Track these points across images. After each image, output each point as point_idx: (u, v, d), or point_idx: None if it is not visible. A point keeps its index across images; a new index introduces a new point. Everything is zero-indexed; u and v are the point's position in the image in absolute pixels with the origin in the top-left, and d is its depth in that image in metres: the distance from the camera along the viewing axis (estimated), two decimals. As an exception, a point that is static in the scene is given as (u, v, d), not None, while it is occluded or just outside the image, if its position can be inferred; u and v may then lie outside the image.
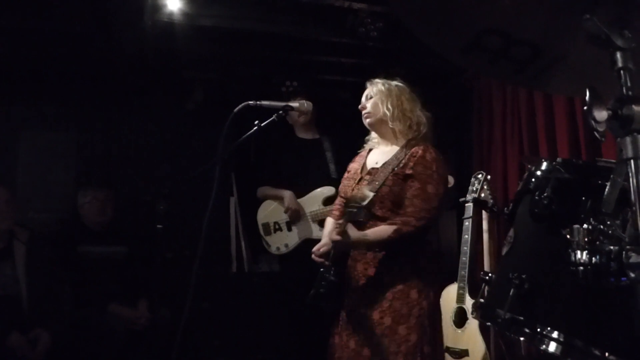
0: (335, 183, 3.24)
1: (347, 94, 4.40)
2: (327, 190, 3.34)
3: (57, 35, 3.56)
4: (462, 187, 3.30)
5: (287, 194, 3.34)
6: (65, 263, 3.31)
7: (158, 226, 3.08)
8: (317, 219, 3.32)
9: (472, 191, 3.12)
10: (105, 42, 3.56)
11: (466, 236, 3.04)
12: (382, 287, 2.29)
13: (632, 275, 0.82)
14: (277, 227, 3.42)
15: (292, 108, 2.48)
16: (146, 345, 3.32)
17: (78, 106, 4.32)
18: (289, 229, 3.39)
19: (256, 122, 2.40)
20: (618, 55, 0.88)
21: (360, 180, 2.45)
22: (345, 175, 2.63)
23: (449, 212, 3.96)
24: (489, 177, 3.17)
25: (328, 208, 3.25)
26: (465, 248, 3.02)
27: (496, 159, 3.62)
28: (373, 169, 2.44)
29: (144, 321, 3.34)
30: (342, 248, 2.33)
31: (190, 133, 4.46)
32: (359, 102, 2.55)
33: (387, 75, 2.55)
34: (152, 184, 4.16)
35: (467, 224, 3.06)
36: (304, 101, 2.57)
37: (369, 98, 2.50)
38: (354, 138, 2.72)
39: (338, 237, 2.20)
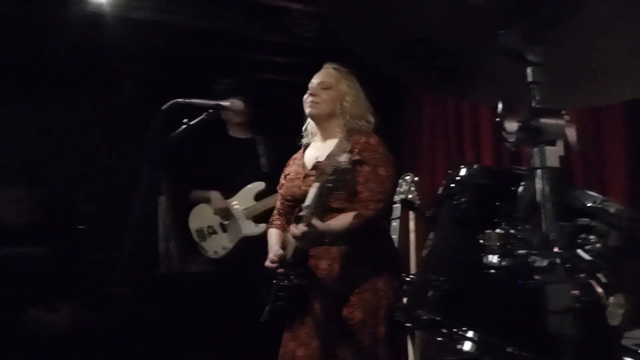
0: (267, 177, 3.23)
1: (282, 93, 4.39)
2: (257, 186, 3.32)
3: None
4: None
5: (214, 195, 3.30)
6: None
7: (79, 227, 2.96)
8: (250, 216, 3.29)
9: (400, 192, 3.19)
10: (28, 30, 3.39)
11: (394, 236, 3.09)
12: (349, 282, 2.21)
13: (538, 277, 0.87)
14: (211, 230, 3.37)
15: (223, 107, 2.44)
16: (68, 350, 3.19)
17: (-5, 99, 4.08)
18: (224, 231, 3.34)
19: (185, 120, 2.35)
20: (529, 70, 0.93)
21: (305, 177, 2.35)
22: (283, 180, 2.51)
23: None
24: (416, 178, 3.25)
25: (261, 203, 3.24)
26: (393, 248, 3.08)
27: (424, 161, 3.73)
28: (318, 162, 2.36)
29: (65, 325, 3.21)
30: (309, 241, 2.14)
31: (118, 129, 4.30)
32: (295, 101, 2.49)
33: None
34: (75, 182, 3.99)
35: (395, 224, 3.13)
36: (236, 100, 2.53)
37: (325, 87, 2.39)
38: (289, 137, 2.70)
39: (305, 228, 2.02)
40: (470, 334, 1.13)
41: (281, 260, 2.25)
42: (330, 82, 2.39)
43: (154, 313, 3.78)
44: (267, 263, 2.27)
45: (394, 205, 3.18)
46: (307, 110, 2.41)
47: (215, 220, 3.34)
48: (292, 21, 3.53)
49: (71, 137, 4.24)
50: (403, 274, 1.37)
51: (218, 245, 3.33)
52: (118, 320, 2.28)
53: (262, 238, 2.57)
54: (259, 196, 3.28)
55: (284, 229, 2.40)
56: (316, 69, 2.62)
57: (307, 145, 2.52)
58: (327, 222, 2.14)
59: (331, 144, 2.38)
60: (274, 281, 2.23)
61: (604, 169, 2.56)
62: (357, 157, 2.22)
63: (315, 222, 2.06)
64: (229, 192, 3.34)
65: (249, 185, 3.34)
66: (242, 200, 3.33)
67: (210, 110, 2.39)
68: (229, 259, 3.31)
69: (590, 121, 2.61)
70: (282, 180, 2.52)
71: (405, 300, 1.30)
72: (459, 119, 3.41)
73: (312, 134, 2.50)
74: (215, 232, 3.35)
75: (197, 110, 2.42)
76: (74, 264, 3.47)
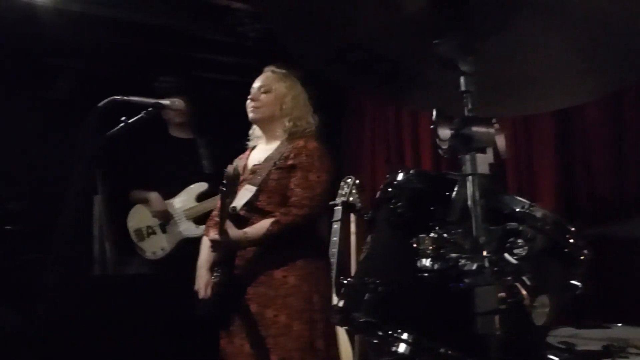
0: (209, 178, 3.19)
1: (225, 93, 4.35)
2: (200, 186, 3.26)
3: None
4: (333, 191, 3.39)
5: (152, 196, 3.23)
6: None
7: (7, 227, 2.83)
8: (192, 217, 3.23)
9: (342, 195, 3.22)
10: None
11: (335, 238, 3.13)
12: (274, 284, 2.24)
13: (467, 280, 0.90)
14: (150, 231, 3.29)
15: (163, 106, 2.40)
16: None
17: None
18: (164, 231, 3.27)
19: (123, 118, 2.29)
20: (462, 79, 0.96)
21: (243, 180, 2.38)
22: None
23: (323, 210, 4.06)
24: (357, 181, 3.29)
25: (203, 204, 3.18)
26: (334, 250, 3.11)
27: (366, 164, 3.78)
28: (255, 165, 2.40)
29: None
30: (222, 249, 2.24)
31: (52, 126, 4.13)
32: (238, 101, 2.48)
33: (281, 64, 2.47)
34: (4, 180, 3.79)
35: (336, 226, 3.16)
36: (176, 99, 2.50)
37: (264, 91, 2.40)
38: (232, 138, 2.67)
39: (217, 237, 2.12)
40: (404, 335, 1.15)
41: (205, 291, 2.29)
42: (269, 85, 2.41)
43: (88, 316, 3.65)
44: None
45: (336, 208, 3.22)
46: (249, 115, 2.42)
47: (154, 221, 3.26)
48: (236, 20, 3.50)
49: (0, 132, 4.03)
50: (341, 277, 1.39)
51: (157, 246, 3.26)
52: (50, 323, 2.19)
53: (203, 239, 2.54)
54: (201, 197, 3.23)
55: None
56: (260, 69, 2.61)
57: (253, 147, 2.53)
58: (244, 230, 2.19)
59: (274, 146, 2.40)
60: None
61: (533, 176, 2.67)
62: (291, 162, 2.28)
63: (230, 230, 2.10)
64: (170, 192, 3.27)
65: (192, 186, 3.29)
66: (184, 201, 3.27)
67: (150, 109, 2.36)
68: (168, 260, 3.24)
69: (522, 130, 2.73)
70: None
71: (341, 302, 1.31)
72: (400, 123, 3.48)
73: (257, 137, 2.52)
74: (154, 233, 3.28)
75: (136, 108, 2.37)
76: (2, 266, 3.30)
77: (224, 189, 2.11)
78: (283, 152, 2.32)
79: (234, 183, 2.15)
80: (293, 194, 2.25)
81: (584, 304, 1.31)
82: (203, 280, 2.31)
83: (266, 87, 2.42)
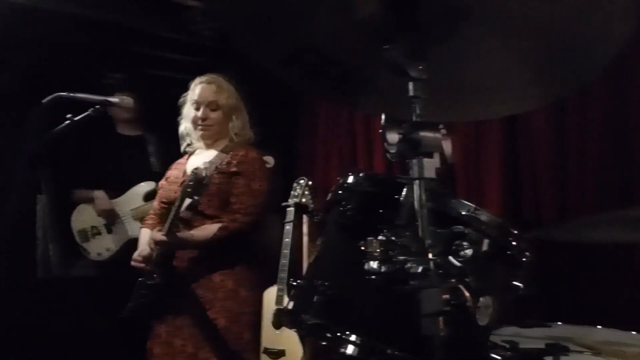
0: (157, 177, 3.12)
1: (176, 91, 4.27)
2: (147, 185, 3.20)
3: None
4: (285, 192, 3.38)
5: (98, 195, 3.14)
6: None
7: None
8: (138, 217, 3.16)
9: (294, 196, 3.22)
10: None
11: (287, 239, 3.12)
12: (213, 287, 2.27)
13: (413, 283, 0.91)
14: (95, 231, 3.21)
15: (110, 103, 2.35)
16: None
17: None
18: (109, 232, 3.19)
19: (69, 115, 2.23)
20: (411, 85, 0.98)
21: (182, 183, 2.38)
22: (164, 182, 2.55)
23: (272, 215, 4.05)
24: (310, 182, 3.30)
25: (150, 203, 3.11)
26: (286, 251, 3.10)
27: (319, 166, 3.80)
28: (196, 169, 2.38)
29: None
30: (169, 249, 2.25)
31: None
32: None
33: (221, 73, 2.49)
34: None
35: (288, 227, 3.15)
36: (125, 97, 2.45)
37: (212, 108, 2.41)
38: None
39: (163, 238, 2.13)
40: (353, 337, 1.16)
41: (146, 260, 2.27)
42: (216, 101, 2.42)
43: (31, 320, 3.52)
44: (132, 262, 2.30)
45: (288, 209, 3.21)
46: (198, 132, 2.45)
47: (99, 221, 3.18)
48: (189, 18, 3.45)
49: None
50: (291, 279, 1.40)
51: (102, 246, 3.18)
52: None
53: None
54: (148, 196, 3.16)
55: (154, 228, 2.41)
56: (211, 67, 2.60)
57: (192, 153, 2.56)
58: (190, 232, 2.22)
59: (214, 153, 2.45)
60: (139, 279, 2.24)
61: (481, 181, 2.75)
62: (234, 169, 2.33)
63: (177, 230, 2.15)
64: (116, 191, 3.19)
65: (140, 185, 3.22)
66: (130, 201, 3.20)
67: (97, 106, 2.31)
68: (114, 262, 3.16)
69: (472, 136, 2.80)
70: (162, 182, 2.57)
71: (291, 304, 1.31)
72: (353, 125, 3.52)
73: (197, 146, 2.54)
74: (99, 233, 3.19)
75: (83, 105, 2.31)
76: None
77: (189, 190, 2.13)
78: (224, 158, 2.37)
79: (202, 186, 2.15)
80: (237, 201, 2.30)
81: (527, 303, 1.35)
82: (141, 253, 2.31)
83: (213, 104, 2.43)
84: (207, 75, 2.50)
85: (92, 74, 3.81)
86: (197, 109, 2.44)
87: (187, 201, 2.18)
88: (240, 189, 2.31)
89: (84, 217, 3.24)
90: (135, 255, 2.31)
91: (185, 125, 2.52)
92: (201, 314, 2.25)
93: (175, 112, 2.80)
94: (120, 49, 3.79)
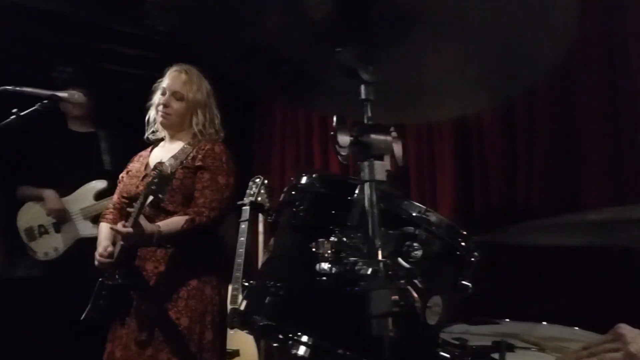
0: (109, 174, 3.05)
1: (130, 86, 4.17)
2: (98, 184, 3.12)
3: None
4: (241, 190, 3.36)
5: (48, 194, 3.04)
6: None
7: None
8: (89, 216, 3.08)
9: (250, 194, 3.20)
10: None
11: (242, 238, 3.10)
12: (176, 285, 2.23)
13: (363, 284, 0.92)
14: (42, 230, 3.10)
15: (60, 98, 2.28)
16: None
17: None
18: (57, 231, 3.09)
19: (14, 110, 2.16)
20: (362, 88, 0.98)
21: (144, 177, 2.34)
22: (124, 175, 2.49)
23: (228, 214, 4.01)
24: (266, 181, 3.28)
25: (101, 203, 3.04)
26: (241, 250, 3.07)
27: (275, 165, 3.79)
28: (159, 163, 2.31)
29: None
30: (134, 241, 2.16)
31: None
32: (143, 95, 2.44)
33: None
34: None
35: (243, 226, 3.12)
36: (75, 92, 2.38)
37: (177, 98, 2.36)
38: (135, 132, 2.59)
39: (130, 230, 2.05)
40: (304, 338, 1.16)
41: (111, 256, 2.20)
42: (184, 92, 2.37)
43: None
44: (96, 256, 2.22)
45: (243, 208, 3.18)
46: (159, 119, 2.39)
47: (47, 219, 3.08)
48: (143, 13, 3.38)
49: None
50: (244, 279, 1.39)
51: (49, 246, 3.08)
52: None
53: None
54: (99, 195, 3.09)
55: (115, 223, 2.33)
56: (166, 62, 2.54)
57: (154, 146, 2.49)
58: (157, 224, 2.16)
59: (177, 146, 2.39)
60: (99, 279, 2.17)
61: (435, 181, 2.79)
62: (199, 163, 2.29)
63: (143, 222, 2.08)
64: (66, 190, 3.09)
65: (90, 183, 3.14)
66: (81, 199, 3.11)
67: (45, 101, 2.24)
68: (63, 261, 3.07)
69: (425, 136, 2.84)
70: (123, 175, 2.49)
71: (243, 305, 1.30)
72: (309, 124, 3.52)
73: (159, 137, 2.49)
74: (47, 232, 3.09)
75: (30, 99, 2.24)
76: None
77: (153, 187, 2.07)
78: (189, 152, 2.32)
79: (166, 182, 2.10)
80: (201, 196, 2.26)
81: (475, 302, 1.38)
82: (105, 249, 2.23)
83: (179, 94, 2.38)
84: (183, 64, 2.44)
85: (42, 68, 3.69)
86: (163, 94, 2.40)
87: (151, 198, 2.11)
88: (205, 183, 2.27)
89: (30, 216, 3.13)
90: (100, 251, 2.22)
91: (151, 112, 2.46)
92: (163, 313, 2.20)
93: (128, 109, 2.74)
94: (72, 43, 3.68)
